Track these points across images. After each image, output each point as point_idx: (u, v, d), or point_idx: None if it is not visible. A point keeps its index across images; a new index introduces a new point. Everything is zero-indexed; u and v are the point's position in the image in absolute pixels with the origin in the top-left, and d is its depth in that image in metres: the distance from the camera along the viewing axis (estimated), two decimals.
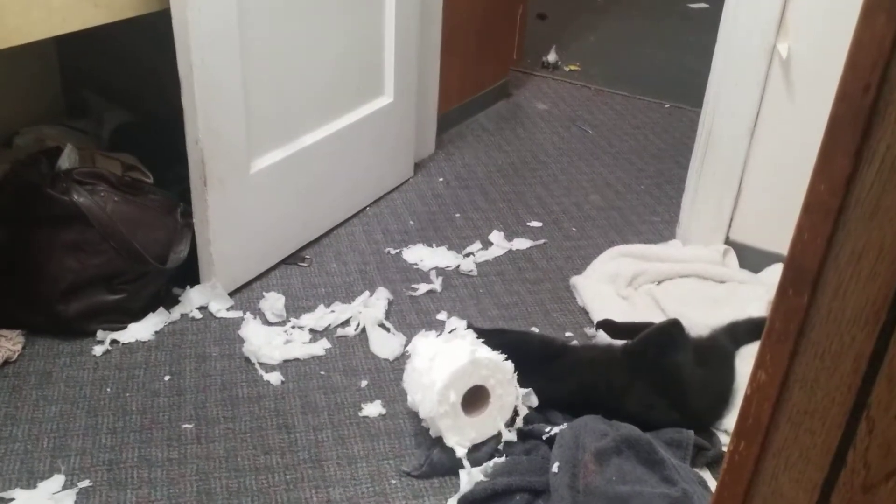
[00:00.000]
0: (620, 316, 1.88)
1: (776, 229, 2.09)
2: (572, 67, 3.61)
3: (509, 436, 1.55)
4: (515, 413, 1.57)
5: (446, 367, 1.48)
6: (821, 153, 0.58)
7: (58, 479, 1.48)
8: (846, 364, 0.62)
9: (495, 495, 1.44)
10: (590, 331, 1.94)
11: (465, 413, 1.52)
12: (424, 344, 1.58)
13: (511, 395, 1.54)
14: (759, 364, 0.67)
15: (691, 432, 1.55)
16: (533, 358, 1.64)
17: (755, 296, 1.99)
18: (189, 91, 1.73)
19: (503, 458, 1.52)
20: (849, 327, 0.61)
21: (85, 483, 1.48)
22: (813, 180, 0.59)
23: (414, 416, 1.63)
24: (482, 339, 1.57)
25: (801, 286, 0.62)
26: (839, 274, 0.60)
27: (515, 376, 1.54)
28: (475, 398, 1.53)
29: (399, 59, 2.34)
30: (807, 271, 0.61)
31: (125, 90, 2.42)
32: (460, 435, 1.51)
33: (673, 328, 1.66)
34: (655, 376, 1.59)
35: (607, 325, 1.81)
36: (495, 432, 1.55)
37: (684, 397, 1.60)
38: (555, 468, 1.43)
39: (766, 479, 0.71)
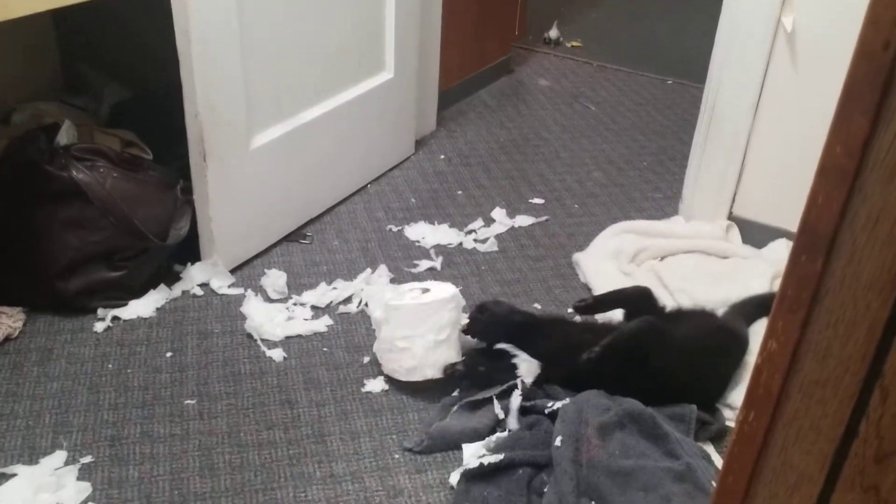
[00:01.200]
0: None
1: (780, 204, 2.09)
2: (574, 44, 3.58)
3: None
4: None
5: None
6: (837, 113, 0.56)
7: (60, 455, 1.47)
8: (860, 332, 0.61)
9: (498, 470, 1.43)
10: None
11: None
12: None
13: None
14: (771, 333, 0.66)
15: (694, 407, 1.55)
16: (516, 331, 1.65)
17: (758, 271, 1.98)
18: (188, 66, 1.70)
19: (505, 433, 1.51)
20: (864, 294, 0.60)
21: (87, 459, 1.47)
22: (828, 142, 0.57)
23: (416, 391, 1.65)
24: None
25: (815, 252, 0.61)
26: (854, 239, 0.59)
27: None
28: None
29: (400, 35, 2.31)
30: (821, 236, 0.60)
31: (124, 65, 2.39)
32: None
33: (644, 334, 1.56)
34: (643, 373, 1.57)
35: (582, 308, 1.72)
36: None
37: (675, 393, 1.58)
38: (557, 442, 1.42)
39: (775, 450, 0.70)
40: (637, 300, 1.70)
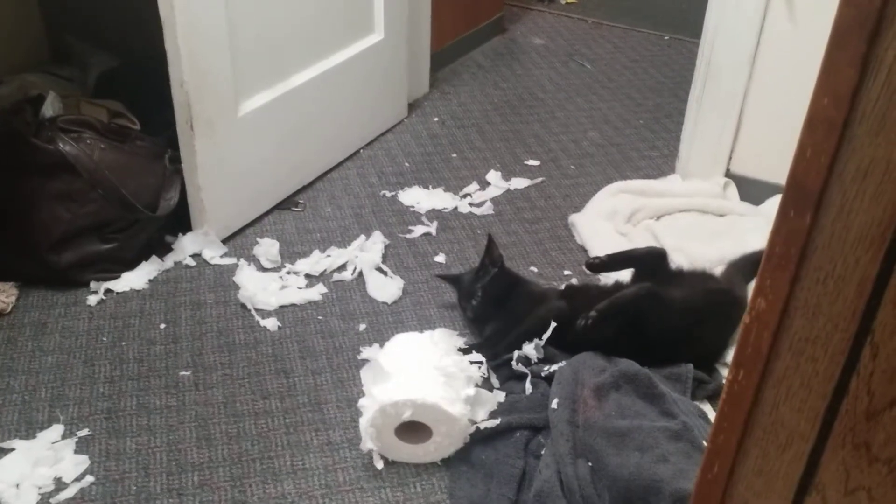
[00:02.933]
0: None
1: (777, 160, 2.05)
2: (569, 0, 3.52)
3: None
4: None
5: (372, 404, 1.38)
6: (824, 64, 0.54)
7: (57, 429, 1.48)
8: (850, 288, 0.60)
9: (495, 433, 1.43)
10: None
11: (404, 438, 1.41)
12: (388, 351, 1.48)
13: (452, 437, 1.40)
14: (759, 291, 0.65)
15: (690, 366, 1.54)
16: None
17: (755, 228, 1.96)
18: (171, 32, 1.67)
19: (503, 397, 1.51)
20: (853, 249, 0.58)
21: (84, 432, 1.47)
22: (816, 93, 0.55)
23: None
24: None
25: (803, 207, 0.59)
26: (843, 193, 0.57)
27: (461, 417, 1.38)
28: (418, 427, 1.40)
29: None
30: (809, 191, 0.58)
31: (110, 34, 2.35)
32: (393, 455, 1.43)
33: (642, 300, 1.54)
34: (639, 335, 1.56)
35: (596, 266, 1.72)
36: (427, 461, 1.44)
37: (673, 355, 1.57)
38: (554, 404, 1.42)
39: (766, 408, 0.69)
40: (650, 261, 1.69)
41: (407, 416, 1.36)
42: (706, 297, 1.63)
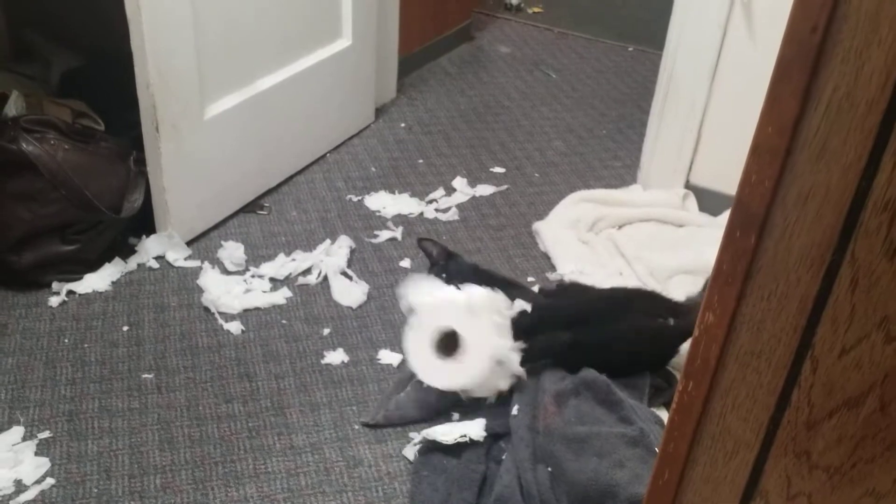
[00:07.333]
0: (580, 260, 1.90)
1: (735, 172, 2.09)
2: (536, 9, 3.56)
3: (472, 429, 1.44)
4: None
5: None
6: (769, 95, 0.58)
7: (17, 431, 1.46)
8: (792, 305, 0.63)
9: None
10: (552, 275, 1.95)
11: (443, 358, 1.49)
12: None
13: (480, 364, 1.47)
14: (707, 306, 0.68)
15: (647, 373, 1.58)
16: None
17: (713, 239, 2.00)
18: (138, 32, 1.67)
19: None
20: (795, 269, 0.62)
21: (45, 434, 1.47)
22: (761, 122, 0.59)
23: (378, 366, 1.67)
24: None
25: (749, 228, 0.62)
26: (786, 216, 0.60)
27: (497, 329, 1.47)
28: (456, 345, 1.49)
29: (357, 0, 2.28)
30: (754, 214, 0.61)
31: (74, 31, 2.33)
32: (428, 377, 1.50)
33: (608, 300, 1.61)
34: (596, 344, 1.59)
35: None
36: (462, 385, 1.50)
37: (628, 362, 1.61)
38: (514, 410, 1.44)
39: (714, 418, 0.72)
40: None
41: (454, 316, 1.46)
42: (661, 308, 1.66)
